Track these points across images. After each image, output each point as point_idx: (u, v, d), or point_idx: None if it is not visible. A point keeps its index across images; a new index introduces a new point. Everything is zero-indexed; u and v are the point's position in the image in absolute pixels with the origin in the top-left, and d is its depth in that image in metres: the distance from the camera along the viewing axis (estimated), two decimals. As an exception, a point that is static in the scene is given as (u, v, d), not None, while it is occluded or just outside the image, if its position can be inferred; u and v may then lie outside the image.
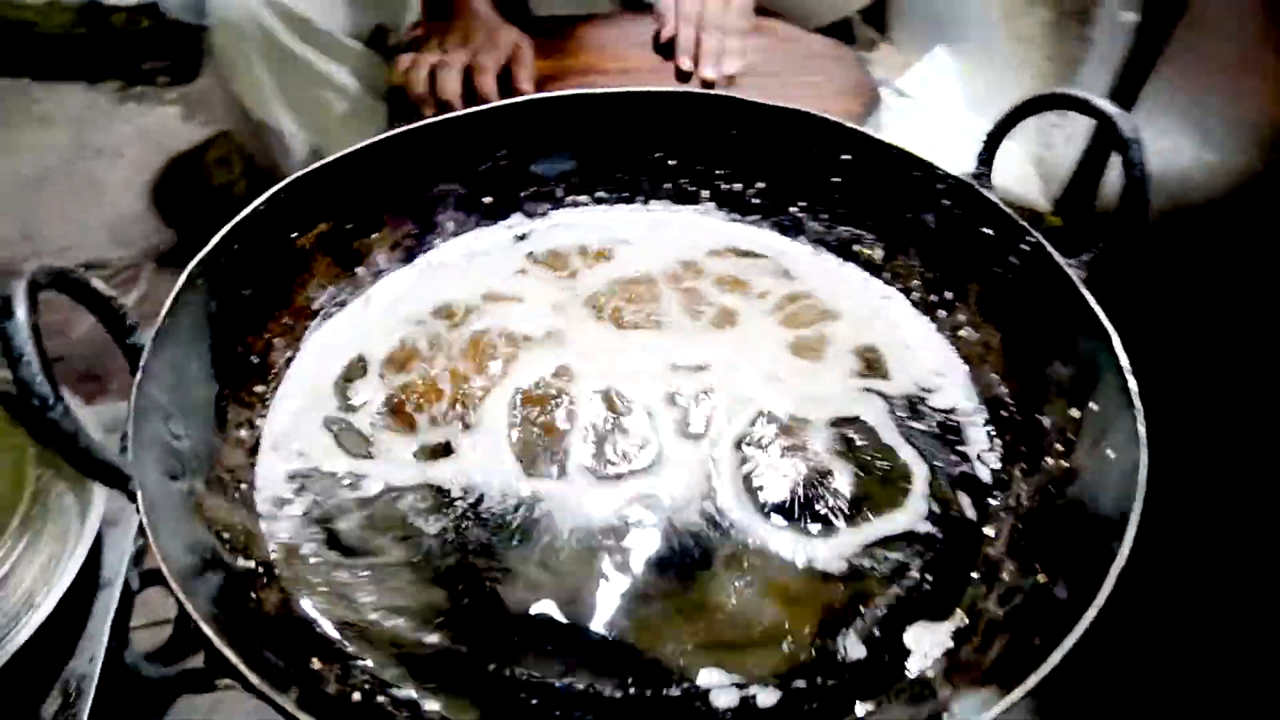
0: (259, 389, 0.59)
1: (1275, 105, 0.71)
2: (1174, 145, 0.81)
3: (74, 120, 1.84)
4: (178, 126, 1.84)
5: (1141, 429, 0.46)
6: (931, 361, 0.64)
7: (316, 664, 0.45)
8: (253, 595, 0.47)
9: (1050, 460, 0.53)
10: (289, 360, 0.62)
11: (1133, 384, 0.49)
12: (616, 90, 0.73)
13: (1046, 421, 0.55)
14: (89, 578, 0.74)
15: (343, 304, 0.66)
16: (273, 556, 0.51)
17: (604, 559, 0.50)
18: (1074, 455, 0.52)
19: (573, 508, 0.52)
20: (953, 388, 0.62)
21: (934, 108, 1.11)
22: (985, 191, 0.63)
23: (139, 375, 0.49)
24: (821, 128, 0.70)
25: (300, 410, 0.59)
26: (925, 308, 0.67)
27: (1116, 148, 0.54)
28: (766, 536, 0.51)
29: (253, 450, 0.56)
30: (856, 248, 0.71)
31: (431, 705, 0.44)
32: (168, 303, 0.53)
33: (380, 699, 0.44)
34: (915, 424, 0.59)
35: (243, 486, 0.53)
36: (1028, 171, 1.05)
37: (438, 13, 1.04)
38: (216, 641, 0.37)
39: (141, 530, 0.75)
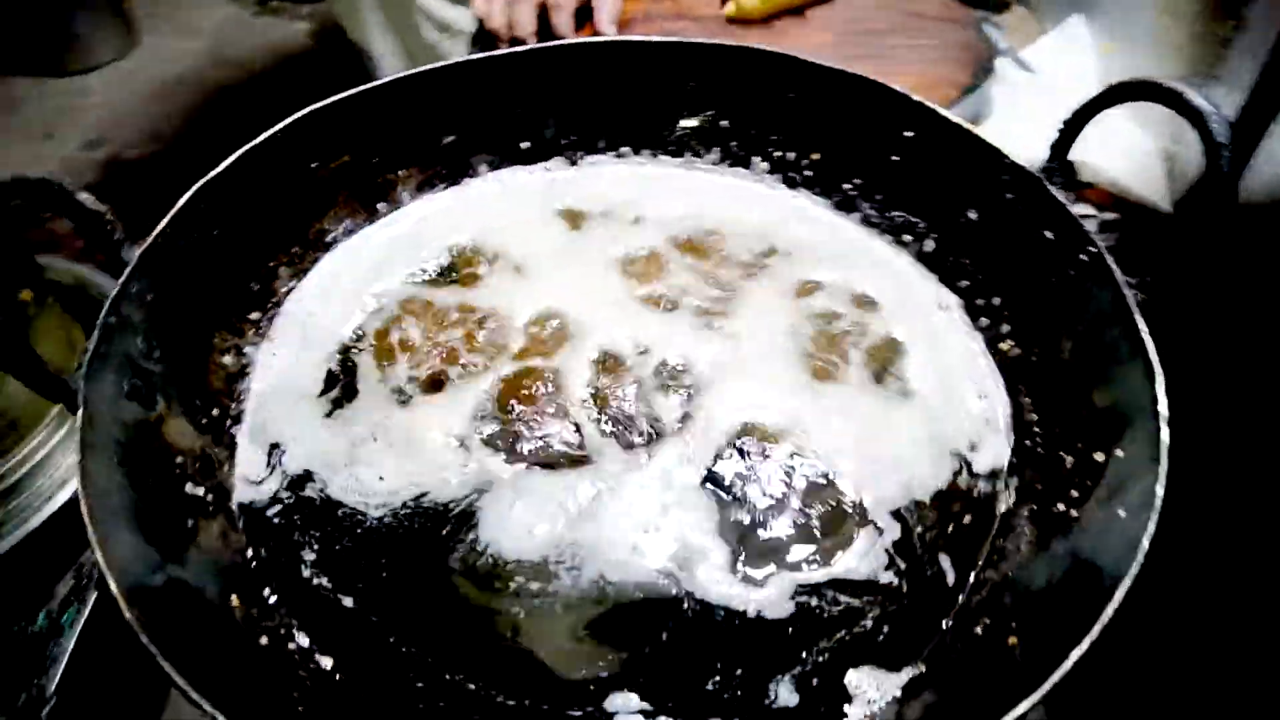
0: (254, 316, 0.59)
1: None
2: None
3: (212, 32, 1.92)
4: (305, 43, 1.89)
5: (1159, 490, 0.40)
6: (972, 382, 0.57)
7: (234, 601, 0.44)
8: (190, 523, 0.47)
9: (1061, 506, 0.47)
10: (289, 291, 0.61)
11: (1165, 437, 0.42)
12: (665, 40, 0.68)
13: (1069, 461, 0.48)
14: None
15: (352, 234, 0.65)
16: (233, 491, 0.51)
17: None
18: (1085, 506, 0.45)
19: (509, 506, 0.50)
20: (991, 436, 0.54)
21: (1057, 86, 0.99)
22: (1053, 189, 0.55)
23: (115, 289, 0.49)
24: (885, 97, 0.63)
25: (298, 346, 0.58)
26: (972, 314, 0.60)
27: (1205, 145, 0.46)
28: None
29: (237, 377, 0.56)
30: (907, 236, 0.64)
31: (325, 661, 0.43)
32: (162, 222, 0.53)
33: (288, 646, 0.43)
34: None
35: (214, 413, 0.53)
36: (1153, 167, 0.92)
37: None
38: (103, 564, 0.37)
39: None
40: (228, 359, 0.56)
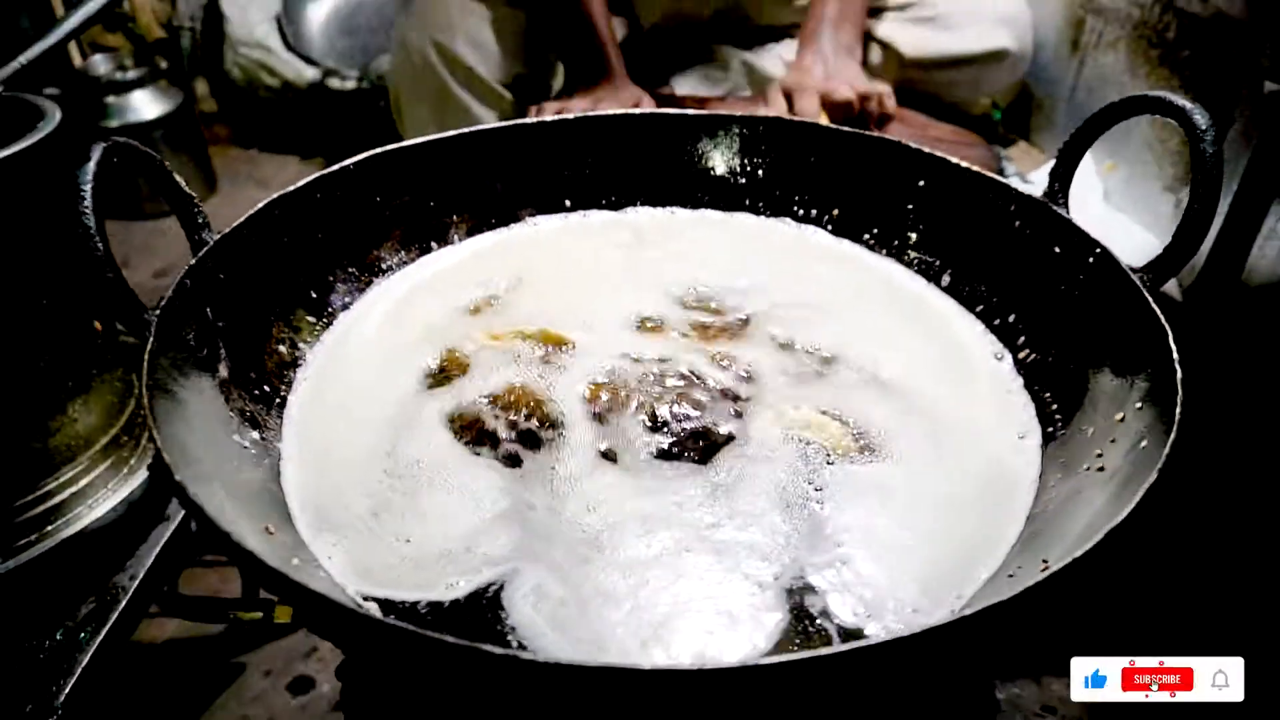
0: (310, 319, 0.63)
1: None
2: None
3: (282, 184, 2.10)
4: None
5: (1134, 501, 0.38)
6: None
7: (270, 528, 0.45)
8: (235, 464, 0.48)
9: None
10: (346, 305, 0.66)
11: (1179, 380, 0.43)
12: (699, 113, 0.76)
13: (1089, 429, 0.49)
14: (153, 509, 0.79)
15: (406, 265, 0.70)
16: (282, 446, 0.53)
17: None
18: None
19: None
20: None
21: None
22: (1058, 209, 0.60)
23: (194, 260, 0.54)
24: (896, 152, 0.69)
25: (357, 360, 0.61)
26: (995, 333, 0.63)
27: (1189, 135, 0.50)
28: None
29: (289, 365, 0.59)
30: (930, 273, 0.68)
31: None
32: (243, 217, 0.59)
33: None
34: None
35: (265, 389, 0.56)
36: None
37: (577, 79, 1.13)
38: (157, 436, 0.39)
39: None
40: (283, 348, 0.60)
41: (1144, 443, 0.43)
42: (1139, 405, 0.46)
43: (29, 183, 0.68)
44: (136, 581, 0.72)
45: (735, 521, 0.48)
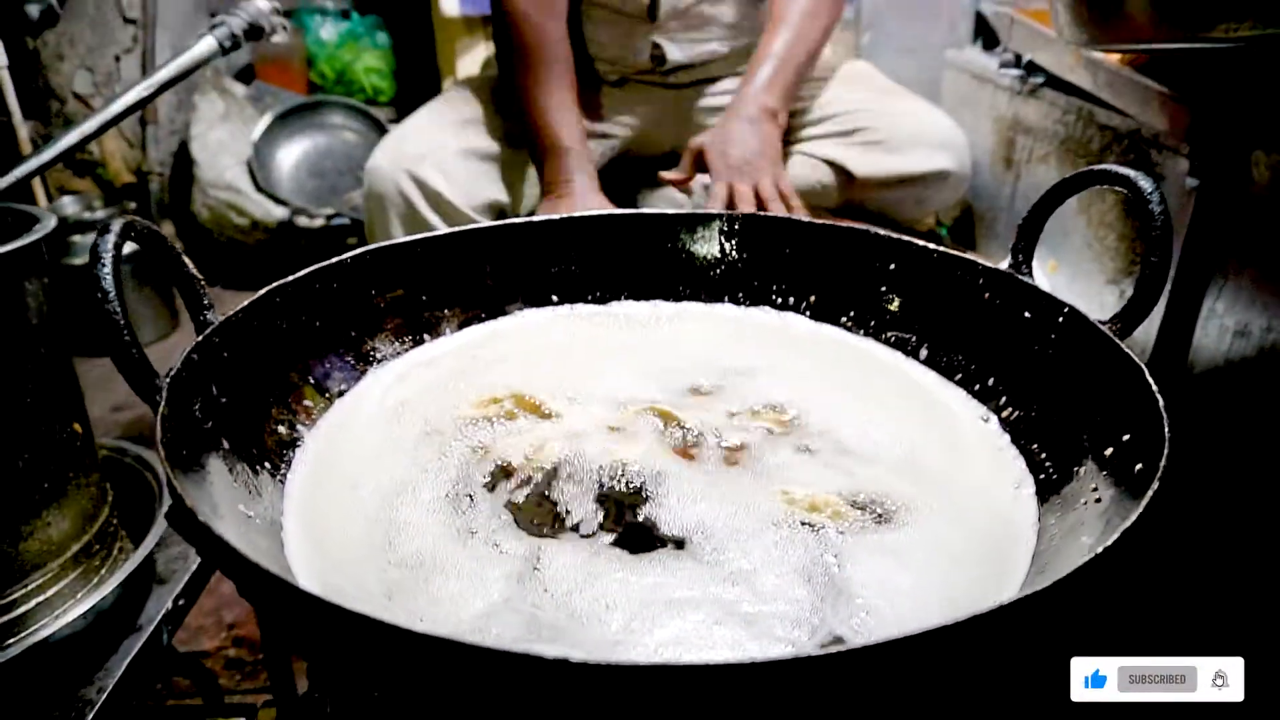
0: (308, 403, 0.63)
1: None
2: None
3: (248, 320, 2.11)
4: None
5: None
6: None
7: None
8: (244, 529, 0.48)
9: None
10: (342, 392, 0.66)
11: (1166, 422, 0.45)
12: (678, 212, 0.81)
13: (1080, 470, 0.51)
14: (124, 619, 0.76)
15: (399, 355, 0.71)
16: (285, 523, 0.52)
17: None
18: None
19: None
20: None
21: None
22: (1024, 278, 0.64)
23: (199, 337, 0.54)
24: (866, 239, 0.74)
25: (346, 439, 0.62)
26: (977, 397, 0.65)
27: (1135, 199, 0.55)
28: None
29: (288, 445, 0.59)
30: (908, 348, 0.72)
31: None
32: (243, 303, 0.60)
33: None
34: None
35: (266, 465, 0.56)
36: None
37: (546, 188, 1.19)
38: (175, 481, 0.38)
39: (183, 593, 0.78)
40: (282, 429, 0.60)
41: (1139, 466, 0.45)
42: (1126, 437, 0.48)
43: (22, 282, 0.69)
44: (105, 695, 0.68)
45: (760, 597, 0.48)
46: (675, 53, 1.35)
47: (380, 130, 2.31)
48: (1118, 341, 0.54)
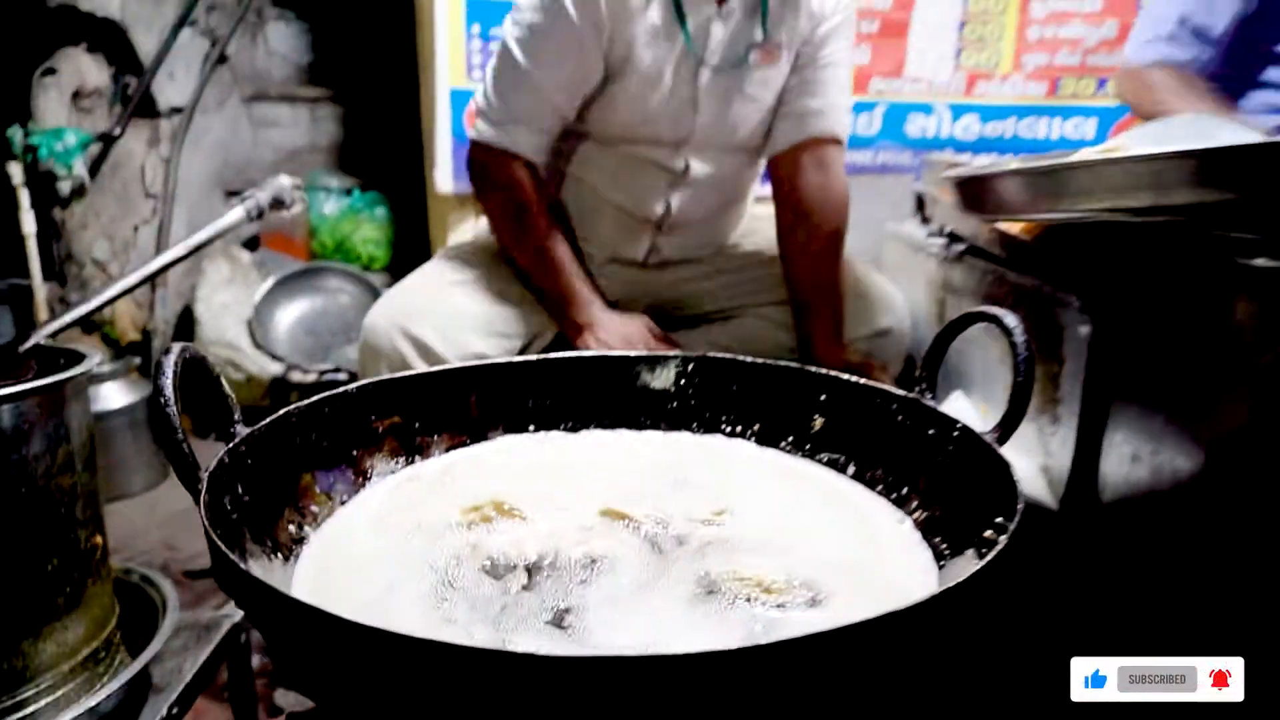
0: (314, 509, 0.73)
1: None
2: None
3: (237, 470, 2.19)
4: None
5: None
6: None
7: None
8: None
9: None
10: (344, 501, 0.76)
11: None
12: (639, 353, 0.94)
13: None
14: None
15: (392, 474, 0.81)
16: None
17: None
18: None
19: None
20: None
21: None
22: (927, 403, 0.76)
23: (230, 445, 0.65)
24: (799, 376, 0.86)
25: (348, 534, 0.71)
26: (894, 503, 0.76)
27: (1005, 334, 0.68)
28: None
29: (297, 541, 0.68)
30: (838, 465, 0.83)
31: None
32: (267, 419, 0.71)
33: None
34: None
35: (279, 556, 0.65)
36: (1037, 479, 1.14)
37: (583, 330, 1.34)
38: (217, 540, 0.48)
39: (178, 701, 0.85)
40: (291, 528, 0.69)
41: (1001, 536, 0.55)
42: (999, 519, 0.59)
43: (70, 407, 0.79)
44: (102, 792, 0.73)
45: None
46: (668, 250, 1.53)
47: (374, 293, 2.49)
48: (994, 446, 0.65)
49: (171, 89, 2.47)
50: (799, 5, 1.36)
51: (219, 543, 0.49)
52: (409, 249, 2.68)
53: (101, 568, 0.84)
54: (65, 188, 2.22)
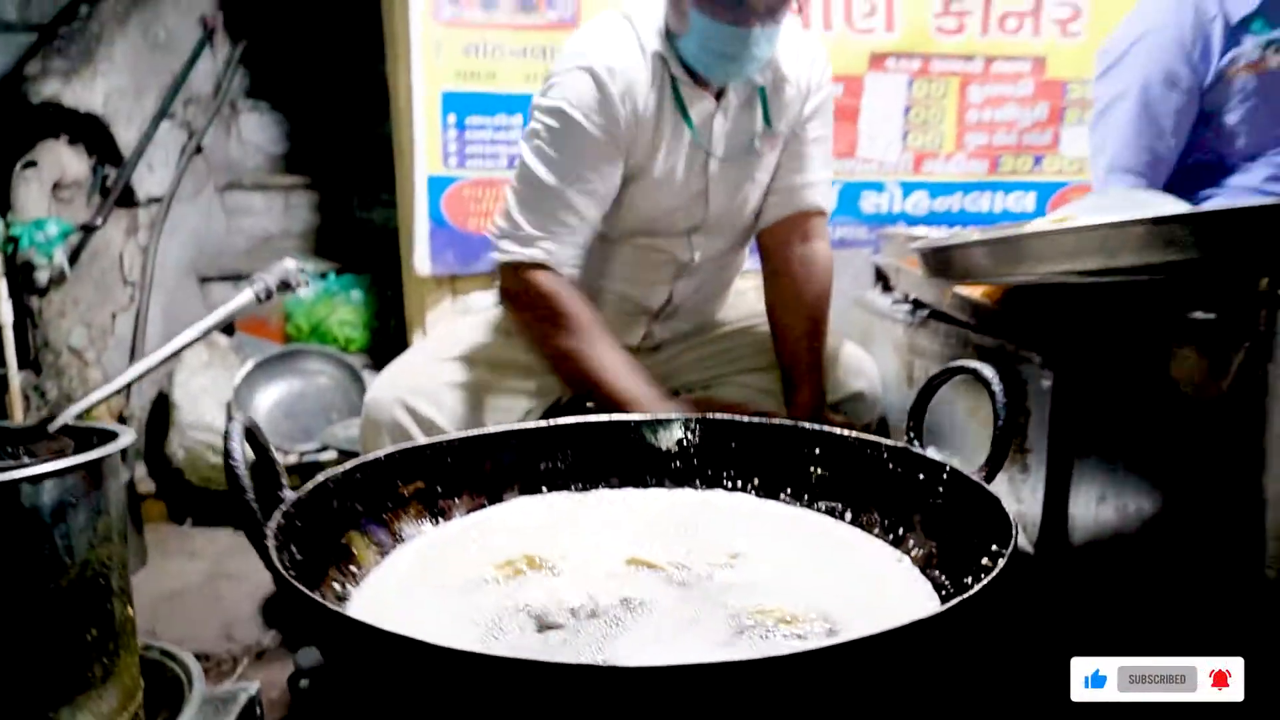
0: (353, 569, 0.77)
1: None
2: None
3: (216, 555, 2.17)
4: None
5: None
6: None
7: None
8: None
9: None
10: (378, 560, 0.80)
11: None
12: (642, 417, 1.00)
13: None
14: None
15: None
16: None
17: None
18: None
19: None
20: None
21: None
22: (916, 450, 0.84)
23: (283, 508, 0.69)
24: (793, 431, 0.93)
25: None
26: (892, 544, 0.82)
27: (985, 385, 0.76)
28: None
29: (340, 599, 0.72)
30: (835, 513, 0.89)
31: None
32: (309, 486, 0.75)
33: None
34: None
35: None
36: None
37: None
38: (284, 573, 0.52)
39: None
40: (336, 585, 0.73)
41: (999, 562, 0.62)
42: (994, 546, 0.66)
43: (108, 482, 0.83)
44: None
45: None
46: (662, 334, 1.61)
47: (352, 374, 2.52)
48: (984, 484, 0.72)
49: (150, 179, 2.52)
50: (785, 87, 1.46)
51: (297, 584, 0.53)
52: (386, 330, 2.73)
53: (131, 640, 0.86)
54: (43, 277, 2.24)
